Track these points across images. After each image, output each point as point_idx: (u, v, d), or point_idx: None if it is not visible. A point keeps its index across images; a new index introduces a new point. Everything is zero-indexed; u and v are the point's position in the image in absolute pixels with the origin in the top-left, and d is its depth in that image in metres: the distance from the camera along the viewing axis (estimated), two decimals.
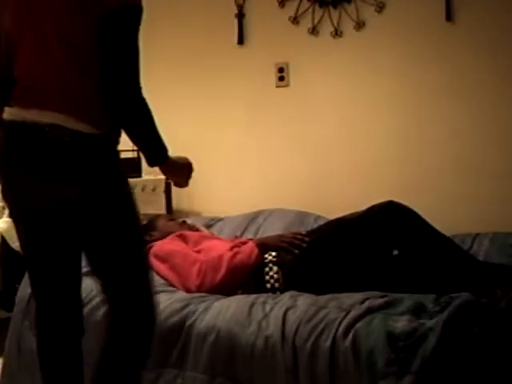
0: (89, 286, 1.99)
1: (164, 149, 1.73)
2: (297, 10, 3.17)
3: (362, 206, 2.24)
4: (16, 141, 1.62)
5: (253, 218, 2.99)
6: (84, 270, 1.82)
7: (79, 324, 1.83)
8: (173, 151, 1.85)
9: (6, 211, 2.83)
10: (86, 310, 2.05)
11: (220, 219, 3.09)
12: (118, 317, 1.72)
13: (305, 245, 2.19)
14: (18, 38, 1.64)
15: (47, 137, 1.57)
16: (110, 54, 1.57)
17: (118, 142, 1.70)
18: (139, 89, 1.61)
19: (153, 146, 1.71)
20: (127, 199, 1.70)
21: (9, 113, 1.66)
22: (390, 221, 2.08)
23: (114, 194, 1.66)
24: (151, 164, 1.74)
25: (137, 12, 1.59)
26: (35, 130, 1.58)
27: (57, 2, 1.58)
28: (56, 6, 1.58)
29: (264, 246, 2.23)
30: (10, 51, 1.66)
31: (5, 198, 1.74)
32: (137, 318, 1.71)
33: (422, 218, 2.11)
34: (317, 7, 3.12)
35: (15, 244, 2.80)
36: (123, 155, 3.23)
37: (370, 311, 1.77)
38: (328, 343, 1.73)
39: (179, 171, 1.88)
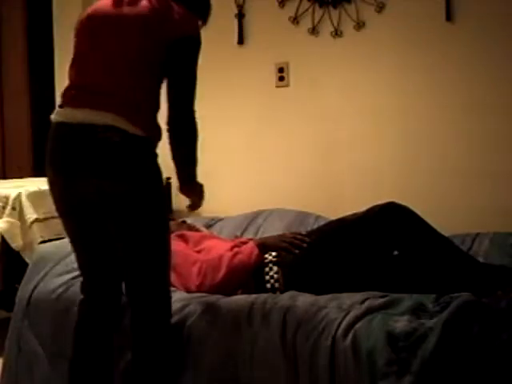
0: None
1: (196, 170, 1.90)
2: (297, 10, 3.17)
3: (363, 206, 2.24)
4: (69, 140, 1.74)
5: (253, 217, 2.99)
6: None
7: (118, 306, 1.93)
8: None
9: (6, 211, 2.83)
10: None
11: (220, 219, 3.09)
12: (136, 314, 1.84)
13: (305, 245, 2.19)
14: (80, 49, 1.84)
15: (100, 136, 1.70)
16: (173, 75, 1.81)
17: (157, 145, 1.84)
18: (193, 111, 1.83)
19: (191, 165, 1.89)
20: (162, 197, 1.86)
21: (59, 114, 1.79)
22: (390, 222, 2.07)
23: (153, 192, 1.78)
24: (184, 182, 1.91)
25: (196, 42, 1.81)
26: (89, 130, 1.71)
27: (131, 33, 1.77)
28: (130, 35, 1.77)
29: (264, 246, 2.22)
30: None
31: (54, 194, 1.85)
32: (152, 312, 1.83)
33: (422, 220, 2.10)
34: (317, 7, 3.13)
35: (15, 244, 2.81)
36: None
37: (369, 311, 1.77)
38: (328, 343, 1.72)
39: (198, 192, 2.01)
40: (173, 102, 1.82)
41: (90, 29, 1.83)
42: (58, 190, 1.83)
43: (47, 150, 1.80)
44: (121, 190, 1.73)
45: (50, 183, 1.84)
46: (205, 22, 1.98)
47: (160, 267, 1.84)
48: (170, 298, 1.88)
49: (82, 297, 1.95)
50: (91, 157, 1.71)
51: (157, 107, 1.85)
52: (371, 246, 2.10)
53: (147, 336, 1.83)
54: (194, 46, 1.81)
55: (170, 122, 1.82)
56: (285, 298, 1.95)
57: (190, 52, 1.81)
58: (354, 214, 2.18)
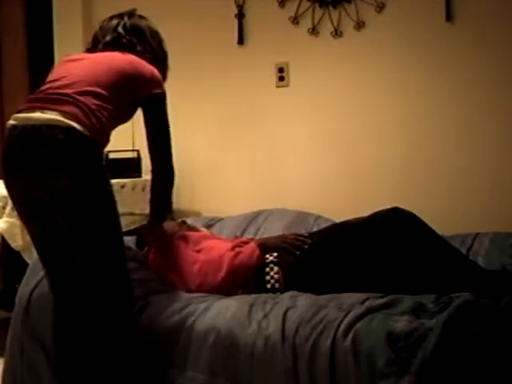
0: None
1: (167, 211, 2.25)
2: (297, 10, 3.17)
3: (363, 205, 2.25)
4: (18, 141, 1.83)
5: (253, 218, 2.99)
6: None
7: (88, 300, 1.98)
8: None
9: (6, 211, 2.83)
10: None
11: (220, 219, 3.09)
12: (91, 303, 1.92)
13: (306, 246, 2.19)
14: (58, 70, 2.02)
15: (44, 135, 1.79)
16: (149, 126, 2.10)
17: (103, 148, 1.94)
18: (170, 159, 2.12)
19: (164, 205, 2.21)
20: (103, 193, 1.88)
21: (13, 118, 1.88)
22: (394, 227, 2.06)
23: (94, 186, 1.84)
24: (155, 218, 2.23)
25: (162, 97, 2.09)
26: (36, 130, 1.80)
27: (106, 71, 1.96)
28: (102, 72, 1.96)
29: (265, 247, 2.22)
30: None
31: (11, 195, 1.94)
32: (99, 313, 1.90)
33: (427, 226, 2.09)
34: (317, 7, 3.13)
35: (15, 244, 2.81)
36: (123, 155, 3.26)
37: (369, 311, 1.77)
38: (328, 343, 1.72)
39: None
40: (152, 151, 2.11)
41: (76, 58, 2.05)
42: (13, 191, 1.91)
43: (1, 153, 1.88)
44: (64, 184, 1.79)
45: (6, 185, 1.91)
46: (164, 78, 2.22)
47: (102, 262, 1.88)
48: (122, 292, 1.91)
49: (52, 296, 2.03)
50: (37, 154, 1.79)
51: (113, 123, 1.98)
52: (374, 249, 2.09)
53: (98, 328, 1.91)
54: (163, 100, 2.09)
55: (152, 169, 2.14)
56: (285, 298, 1.95)
57: (160, 107, 2.09)
58: (358, 218, 2.18)
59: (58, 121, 1.80)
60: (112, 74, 1.96)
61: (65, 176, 1.79)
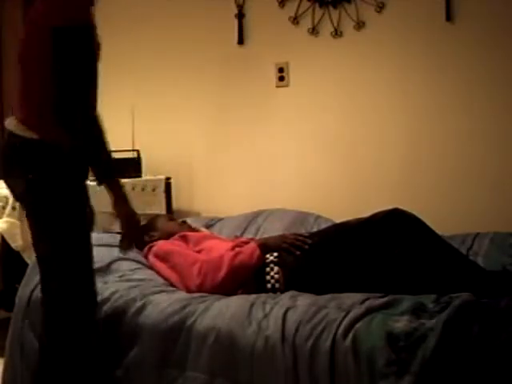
0: None
1: (112, 167, 1.92)
2: (297, 10, 3.17)
3: (363, 205, 2.24)
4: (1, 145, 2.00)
5: (253, 218, 2.99)
6: None
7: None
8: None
9: (6, 211, 2.83)
10: None
11: (220, 219, 3.09)
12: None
13: (306, 246, 2.19)
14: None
15: (10, 141, 1.92)
16: (61, 73, 1.84)
17: (64, 148, 1.85)
18: (87, 107, 1.83)
19: (100, 162, 1.89)
20: (59, 198, 1.88)
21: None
22: (394, 228, 2.07)
23: (48, 193, 1.87)
24: (100, 179, 1.89)
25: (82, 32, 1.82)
26: (7, 136, 1.94)
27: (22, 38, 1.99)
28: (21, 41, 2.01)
29: (265, 247, 2.22)
30: None
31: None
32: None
33: (427, 226, 2.09)
34: (317, 7, 3.13)
35: (15, 244, 2.81)
36: (123, 155, 3.26)
37: (369, 311, 1.77)
38: (328, 343, 1.72)
39: (131, 215, 1.98)
40: (64, 99, 1.84)
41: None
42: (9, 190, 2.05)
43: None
44: (20, 190, 1.93)
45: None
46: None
47: (59, 264, 1.90)
48: (82, 295, 1.92)
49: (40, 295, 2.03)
50: (5, 159, 1.95)
51: (59, 117, 1.86)
52: (374, 250, 2.09)
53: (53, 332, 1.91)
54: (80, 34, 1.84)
55: (66, 120, 1.86)
56: (285, 298, 1.95)
57: (77, 42, 1.82)
58: (359, 219, 2.18)
59: (15, 129, 1.91)
60: (38, 57, 1.95)
61: (19, 179, 1.89)
